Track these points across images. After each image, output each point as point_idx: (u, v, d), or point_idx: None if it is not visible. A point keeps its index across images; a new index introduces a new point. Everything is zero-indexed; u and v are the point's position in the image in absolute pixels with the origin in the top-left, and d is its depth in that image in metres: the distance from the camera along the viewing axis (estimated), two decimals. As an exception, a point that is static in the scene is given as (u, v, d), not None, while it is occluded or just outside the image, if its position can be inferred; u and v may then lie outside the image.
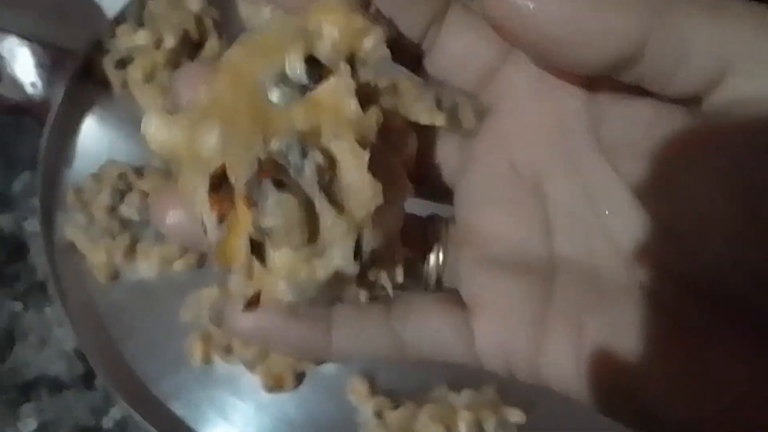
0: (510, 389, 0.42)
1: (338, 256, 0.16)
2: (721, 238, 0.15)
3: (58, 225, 0.44)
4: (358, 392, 0.41)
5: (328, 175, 0.15)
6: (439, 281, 0.20)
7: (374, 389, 0.41)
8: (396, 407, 0.41)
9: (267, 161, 0.15)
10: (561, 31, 0.15)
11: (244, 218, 0.15)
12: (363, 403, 0.41)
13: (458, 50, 0.18)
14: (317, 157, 0.15)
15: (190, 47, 0.49)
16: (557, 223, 0.19)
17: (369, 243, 0.16)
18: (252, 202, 0.15)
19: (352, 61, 0.17)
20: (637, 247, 0.17)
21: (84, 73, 0.48)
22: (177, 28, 0.48)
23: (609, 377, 0.17)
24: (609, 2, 0.14)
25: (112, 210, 0.43)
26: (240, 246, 0.15)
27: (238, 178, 0.15)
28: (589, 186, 0.18)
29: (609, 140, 0.17)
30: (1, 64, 0.50)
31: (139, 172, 0.44)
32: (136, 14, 0.50)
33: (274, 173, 0.15)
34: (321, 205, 0.15)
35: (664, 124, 0.16)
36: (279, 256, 0.15)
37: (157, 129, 0.17)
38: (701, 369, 0.16)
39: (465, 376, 0.42)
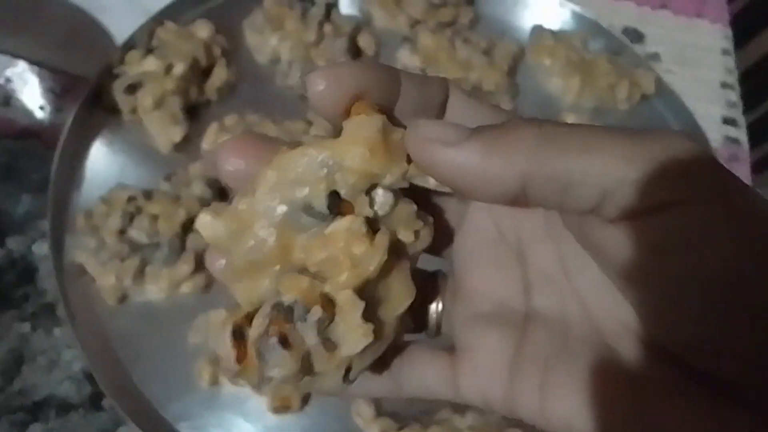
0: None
1: (328, 383, 0.19)
2: (661, 316, 0.18)
3: (67, 248, 0.44)
4: (363, 415, 0.42)
5: (327, 321, 0.18)
6: (438, 327, 0.23)
7: (379, 411, 0.42)
8: (401, 429, 0.41)
9: (276, 317, 0.18)
10: (460, 178, 0.18)
11: (253, 360, 0.18)
12: (368, 425, 0.42)
13: None
14: (318, 313, 0.18)
15: (199, 74, 0.50)
16: (535, 284, 0.22)
17: (357, 369, 0.19)
18: (261, 356, 0.18)
19: (372, 188, 0.19)
20: (599, 308, 0.20)
21: (93, 99, 0.49)
22: (186, 56, 0.49)
23: (572, 421, 0.19)
24: (492, 157, 0.17)
25: (122, 233, 0.43)
26: (252, 373, 0.19)
27: (253, 330, 0.18)
28: (564, 255, 0.21)
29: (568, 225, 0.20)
30: (12, 88, 0.51)
31: (148, 195, 0.45)
32: (145, 41, 0.51)
33: (283, 323, 0.18)
34: (316, 348, 0.18)
35: (594, 227, 0.18)
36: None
37: (205, 228, 0.19)
38: (654, 423, 0.18)
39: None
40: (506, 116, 0.20)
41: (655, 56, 0.60)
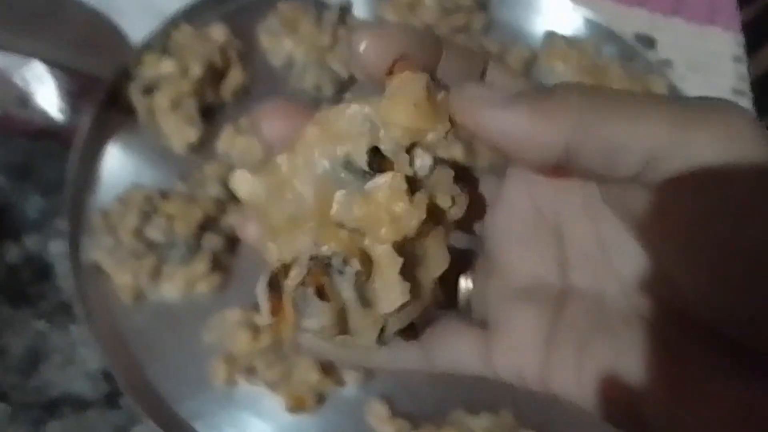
0: (527, 413, 0.43)
1: (364, 340, 0.19)
2: (700, 286, 0.18)
3: (84, 247, 0.45)
4: (377, 415, 0.42)
5: (364, 276, 0.18)
6: (468, 304, 0.23)
7: (393, 412, 0.42)
8: (415, 429, 0.42)
9: (315, 264, 0.18)
10: (505, 140, 0.18)
11: (289, 312, 0.18)
12: (382, 425, 0.42)
13: None
14: (355, 266, 0.18)
15: (215, 77, 0.51)
16: (572, 261, 0.21)
17: (392, 329, 0.19)
18: (297, 307, 0.18)
19: (413, 147, 0.19)
20: (638, 284, 0.20)
21: (110, 100, 0.49)
22: (202, 58, 0.49)
23: (610, 394, 0.19)
24: (538, 120, 0.18)
25: (138, 232, 0.44)
26: (287, 327, 0.18)
27: (290, 281, 0.18)
28: (602, 232, 0.21)
29: (611, 202, 0.20)
30: (29, 89, 0.51)
31: (164, 195, 0.45)
32: (161, 44, 0.51)
33: (320, 275, 0.18)
34: (353, 303, 0.18)
35: (636, 197, 0.19)
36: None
37: (242, 186, 0.20)
38: (688, 391, 0.18)
39: (482, 400, 0.43)
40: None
41: (667, 62, 0.61)
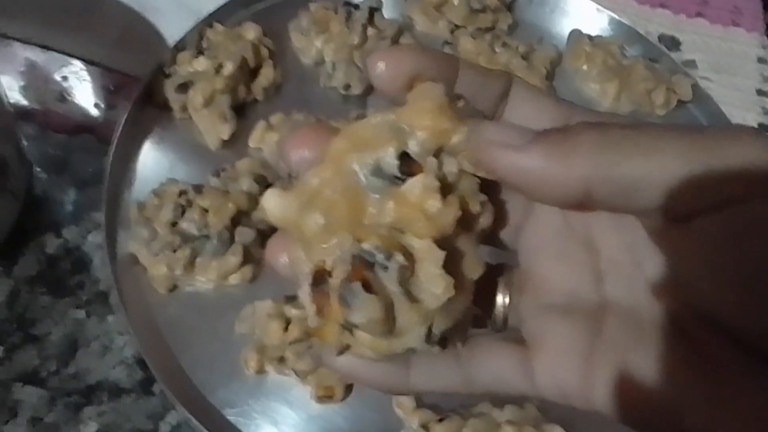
0: (551, 407, 0.43)
1: (412, 340, 0.19)
2: (727, 300, 0.18)
3: (120, 239, 0.46)
4: (404, 406, 0.43)
5: (409, 271, 0.18)
6: (505, 320, 0.23)
7: (420, 403, 0.43)
8: (441, 421, 0.42)
9: (358, 262, 0.18)
10: (523, 181, 0.19)
11: (336, 310, 0.18)
12: (409, 416, 0.43)
13: (520, 120, 0.21)
14: (400, 259, 0.18)
15: (247, 74, 0.52)
16: (606, 273, 0.22)
17: (439, 327, 0.19)
18: (344, 301, 0.18)
19: (439, 152, 0.20)
20: (669, 293, 0.20)
21: (146, 97, 0.51)
22: (235, 56, 0.51)
23: (650, 406, 0.20)
24: (555, 161, 0.18)
25: (173, 225, 0.45)
26: (333, 329, 0.19)
27: (334, 279, 0.18)
28: (633, 243, 0.21)
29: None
30: (67, 86, 0.53)
31: (199, 189, 0.47)
32: (195, 42, 0.53)
33: (364, 271, 0.18)
34: (399, 298, 0.18)
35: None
36: (364, 335, 0.19)
37: (273, 205, 0.20)
38: (724, 400, 0.18)
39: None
40: (568, 110, 0.21)
41: (691, 63, 0.61)
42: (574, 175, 0.18)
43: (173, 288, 0.45)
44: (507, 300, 0.23)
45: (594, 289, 0.22)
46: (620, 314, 0.21)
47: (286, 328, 0.43)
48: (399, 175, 0.19)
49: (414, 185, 0.19)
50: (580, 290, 0.22)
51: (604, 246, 0.22)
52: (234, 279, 0.45)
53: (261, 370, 0.43)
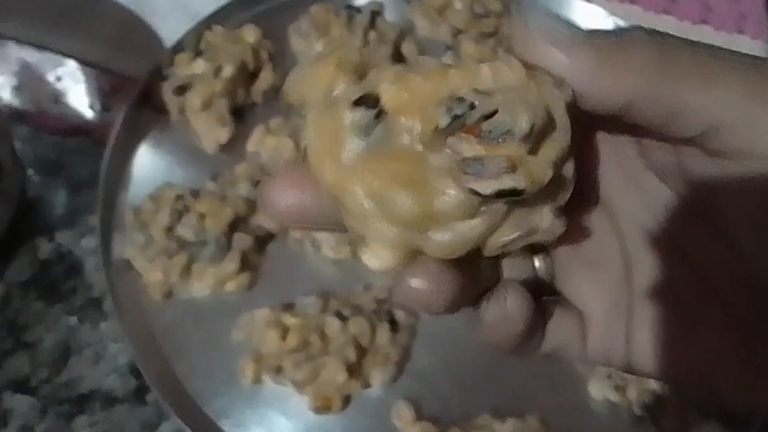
0: (553, 419, 0.42)
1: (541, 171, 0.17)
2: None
3: (115, 243, 0.45)
4: (403, 417, 0.42)
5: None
6: (551, 285, 0.22)
7: (419, 414, 0.42)
8: (440, 433, 0.42)
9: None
10: (579, 82, 0.17)
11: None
12: (408, 428, 0.42)
13: None
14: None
15: (246, 77, 0.51)
16: (629, 237, 0.21)
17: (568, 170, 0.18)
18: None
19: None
20: (704, 258, 0.19)
21: (143, 99, 0.50)
22: (235, 59, 0.50)
23: (684, 370, 0.20)
24: (605, 70, 0.17)
25: (169, 230, 0.44)
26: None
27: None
28: (651, 202, 0.20)
29: (657, 170, 0.20)
30: (62, 87, 0.52)
31: (196, 194, 0.46)
32: (193, 44, 0.52)
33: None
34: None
35: (689, 166, 0.19)
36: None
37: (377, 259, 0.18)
38: (757, 366, 0.18)
39: (508, 405, 0.43)
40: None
41: (696, 70, 0.61)
42: (621, 88, 0.17)
43: (169, 294, 0.44)
44: (548, 261, 0.22)
45: (621, 252, 0.21)
46: (650, 278, 0.21)
47: (284, 337, 0.42)
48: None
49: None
50: (606, 251, 0.22)
51: (623, 208, 0.21)
52: (231, 286, 0.44)
53: (258, 380, 0.42)
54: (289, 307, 0.43)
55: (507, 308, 0.19)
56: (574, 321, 0.22)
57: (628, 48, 0.17)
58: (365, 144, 0.17)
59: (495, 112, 0.17)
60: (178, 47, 0.51)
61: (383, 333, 0.43)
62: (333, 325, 0.42)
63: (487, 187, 0.17)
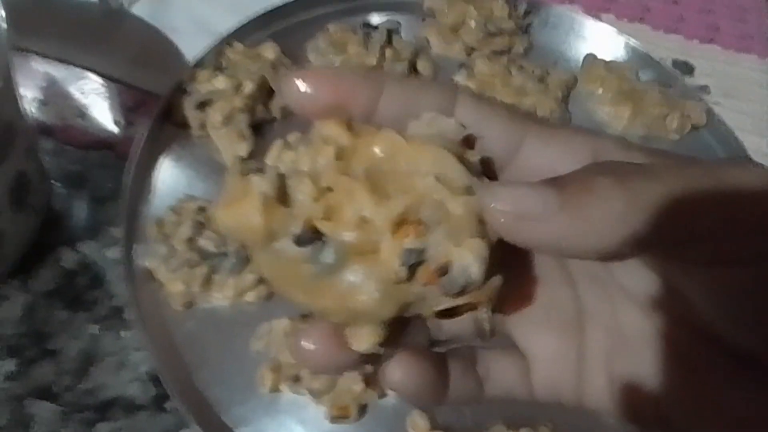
0: (565, 428, 0.43)
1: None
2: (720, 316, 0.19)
3: (137, 254, 0.46)
4: (418, 427, 0.43)
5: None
6: (492, 331, 0.23)
7: (433, 424, 0.43)
8: (455, 442, 0.42)
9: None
10: (555, 248, 0.18)
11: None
12: (423, 437, 0.43)
13: (538, 163, 0.21)
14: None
15: (265, 93, 0.53)
16: (580, 283, 0.23)
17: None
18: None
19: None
20: (650, 301, 0.21)
21: (165, 114, 0.51)
22: (255, 75, 0.51)
23: (637, 406, 0.21)
24: (587, 229, 0.17)
25: (191, 242, 0.45)
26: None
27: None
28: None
29: None
30: (87, 102, 0.54)
31: (216, 207, 0.47)
32: (214, 61, 0.53)
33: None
34: None
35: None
36: None
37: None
38: (706, 399, 0.20)
39: (521, 415, 0.43)
40: (521, 118, 0.20)
41: (704, 88, 0.61)
42: (608, 240, 0.17)
43: (190, 304, 0.45)
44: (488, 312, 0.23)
45: (572, 301, 0.23)
46: (601, 322, 0.22)
47: (301, 347, 0.43)
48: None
49: None
50: (559, 302, 0.23)
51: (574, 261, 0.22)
52: (250, 296, 0.45)
53: (276, 389, 0.43)
54: (307, 318, 0.44)
55: (397, 379, 0.21)
56: (516, 363, 0.23)
57: (600, 201, 0.17)
58: (318, 269, 0.19)
59: (447, 265, 0.18)
60: (200, 64, 0.53)
61: (399, 344, 0.44)
62: (350, 335, 0.43)
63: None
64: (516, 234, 0.18)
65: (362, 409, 0.43)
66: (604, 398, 0.22)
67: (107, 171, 0.51)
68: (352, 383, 0.42)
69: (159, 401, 0.43)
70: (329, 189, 0.19)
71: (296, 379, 0.43)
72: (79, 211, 0.49)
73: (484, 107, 0.20)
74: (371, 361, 0.21)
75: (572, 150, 0.20)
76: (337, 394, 0.43)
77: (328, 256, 0.19)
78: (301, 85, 0.19)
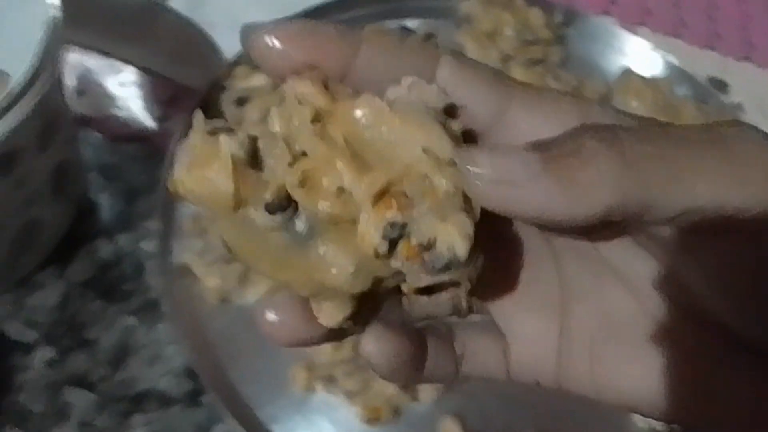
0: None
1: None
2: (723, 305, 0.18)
3: (173, 248, 0.46)
4: (450, 431, 0.43)
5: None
6: (469, 308, 0.22)
7: (465, 430, 0.43)
8: (486, 448, 0.42)
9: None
10: (537, 216, 0.17)
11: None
12: (454, 441, 0.43)
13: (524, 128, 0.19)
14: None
15: (303, 92, 0.53)
16: (568, 263, 0.21)
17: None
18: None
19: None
20: (643, 284, 0.20)
21: (202, 110, 0.51)
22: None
23: (623, 395, 0.20)
24: (572, 195, 0.16)
25: (228, 238, 0.45)
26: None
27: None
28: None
29: None
30: (124, 94, 0.54)
31: (253, 204, 0.47)
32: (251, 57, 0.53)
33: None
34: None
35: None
36: None
37: None
38: (704, 388, 0.19)
39: (551, 422, 0.43)
40: (506, 82, 0.19)
41: (739, 107, 0.62)
42: (595, 207, 0.16)
43: (225, 300, 0.45)
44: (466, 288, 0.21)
45: (558, 284, 0.22)
46: (587, 303, 0.21)
47: (337, 347, 0.43)
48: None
49: None
50: (542, 279, 0.22)
51: (561, 242, 0.21)
52: (285, 294, 0.45)
53: (309, 388, 0.43)
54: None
55: (371, 349, 0.19)
56: (494, 342, 0.22)
57: (590, 164, 0.16)
58: (289, 239, 0.18)
59: (431, 242, 0.17)
60: (238, 60, 0.53)
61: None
62: (385, 337, 0.43)
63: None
64: (495, 201, 0.17)
65: (395, 412, 0.43)
66: (585, 381, 0.21)
67: (142, 163, 0.51)
68: (386, 386, 0.42)
69: (193, 395, 0.43)
70: (304, 154, 0.18)
71: (330, 379, 0.43)
72: (114, 202, 0.49)
73: (468, 69, 0.19)
74: (339, 336, 0.20)
75: (560, 114, 0.18)
76: (370, 395, 0.43)
77: (300, 225, 0.18)
78: (270, 41, 0.18)
